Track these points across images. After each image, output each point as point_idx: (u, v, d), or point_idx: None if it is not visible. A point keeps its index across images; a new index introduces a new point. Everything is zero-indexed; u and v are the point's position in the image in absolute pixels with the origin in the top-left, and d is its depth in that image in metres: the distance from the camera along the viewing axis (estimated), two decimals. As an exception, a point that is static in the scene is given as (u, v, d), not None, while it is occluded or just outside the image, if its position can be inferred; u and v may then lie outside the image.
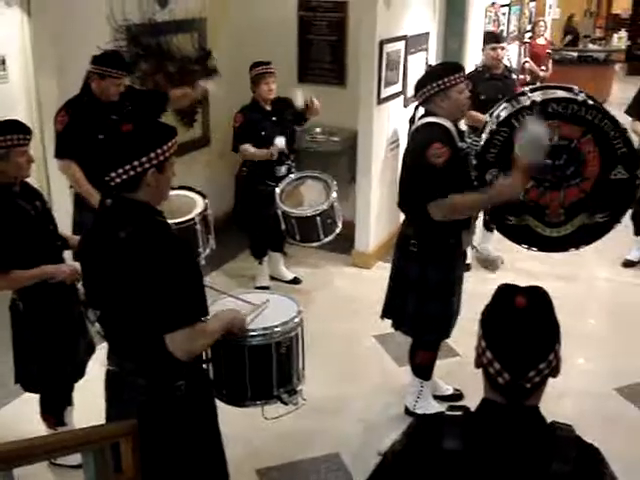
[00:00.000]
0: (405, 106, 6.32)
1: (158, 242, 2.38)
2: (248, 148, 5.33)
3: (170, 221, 2.72)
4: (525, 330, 1.63)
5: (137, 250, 2.34)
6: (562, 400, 4.32)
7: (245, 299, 3.16)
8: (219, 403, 2.93)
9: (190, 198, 4.42)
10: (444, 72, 3.71)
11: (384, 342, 4.97)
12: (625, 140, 3.59)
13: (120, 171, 2.35)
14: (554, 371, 1.69)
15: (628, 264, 6.46)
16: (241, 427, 3.65)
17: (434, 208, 3.55)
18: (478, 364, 1.72)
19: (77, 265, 3.00)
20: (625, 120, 6.11)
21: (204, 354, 2.79)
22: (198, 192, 4.47)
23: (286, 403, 3.24)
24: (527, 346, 1.63)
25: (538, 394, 1.69)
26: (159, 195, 2.48)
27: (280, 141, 5.25)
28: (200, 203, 4.36)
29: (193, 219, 4.21)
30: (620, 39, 17.14)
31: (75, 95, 4.44)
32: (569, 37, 16.47)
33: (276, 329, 3.03)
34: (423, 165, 3.53)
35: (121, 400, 2.61)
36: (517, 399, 1.65)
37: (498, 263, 6.24)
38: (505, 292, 1.72)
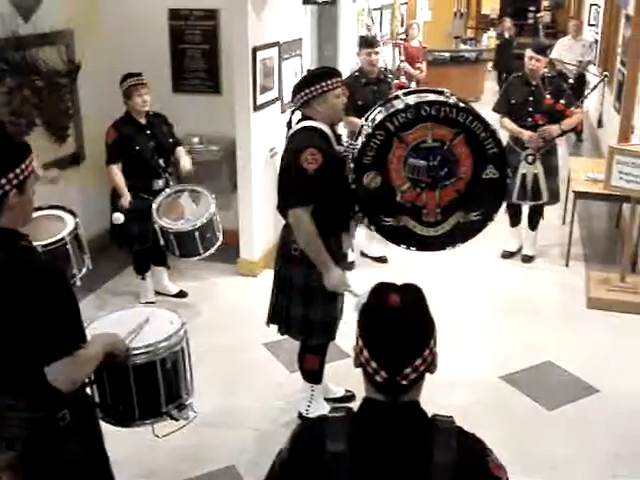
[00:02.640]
0: (282, 112, 6.33)
1: (25, 271, 2.23)
2: (116, 173, 5.20)
3: (37, 243, 2.59)
4: (399, 328, 1.65)
5: (4, 281, 2.22)
6: (452, 391, 4.44)
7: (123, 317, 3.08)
8: (107, 426, 2.83)
9: (59, 217, 4.22)
10: (321, 76, 3.74)
11: (274, 350, 4.96)
12: (495, 140, 3.72)
13: None
14: (431, 367, 1.71)
15: (507, 255, 6.70)
16: (132, 449, 3.56)
17: (293, 213, 3.60)
18: (357, 364, 1.73)
19: None
20: (495, 116, 6.39)
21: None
22: (68, 210, 4.26)
23: (176, 419, 3.18)
24: (401, 343, 1.64)
25: (417, 390, 1.71)
26: (23, 217, 2.34)
27: (118, 217, 5.14)
28: (70, 222, 4.12)
29: (63, 239, 3.96)
30: (490, 38, 17.76)
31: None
32: None
33: (160, 345, 2.97)
34: (295, 169, 3.56)
35: (2, 437, 2.48)
36: (395, 396, 1.66)
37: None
38: (379, 291, 1.73)
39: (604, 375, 4.72)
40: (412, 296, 1.72)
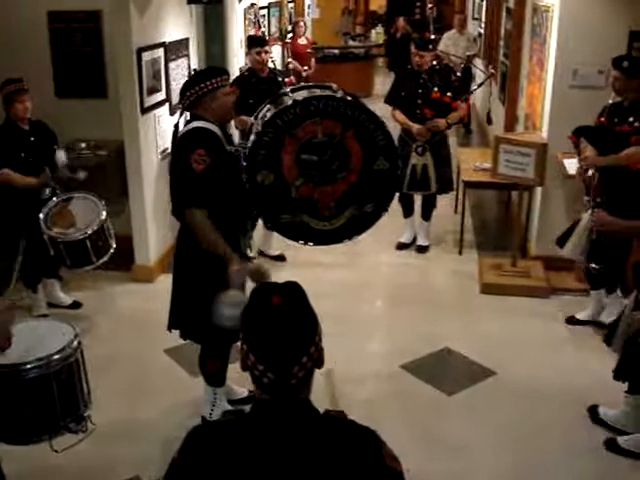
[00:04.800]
0: (172, 114, 6.24)
1: None
2: (9, 174, 4.98)
3: None
4: (283, 328, 1.63)
5: None
6: (356, 384, 4.51)
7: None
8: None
9: None
10: (208, 75, 3.69)
11: (176, 355, 4.87)
12: (384, 132, 3.77)
13: None
14: (318, 363, 1.70)
15: (402, 246, 6.82)
16: (31, 465, 3.43)
17: (189, 214, 3.57)
18: (243, 367, 1.70)
19: None
20: (387, 108, 6.51)
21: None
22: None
23: (75, 432, 3.10)
24: (287, 343, 1.63)
25: (307, 387, 1.70)
26: None
27: (61, 155, 4.97)
28: None
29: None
30: (378, 34, 18.06)
31: None
32: None
33: (53, 357, 2.88)
34: (185, 170, 3.51)
35: None
36: (285, 397, 1.65)
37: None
38: (260, 292, 1.72)
39: (500, 358, 4.87)
40: (292, 294, 1.71)
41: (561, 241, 4.92)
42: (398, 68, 9.04)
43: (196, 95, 3.62)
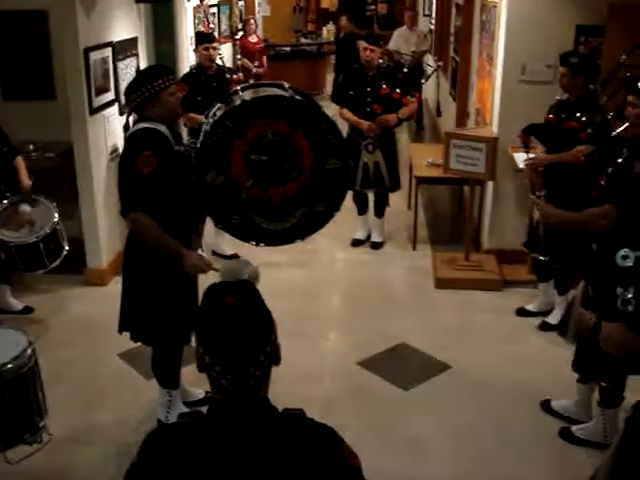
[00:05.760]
0: (121, 114, 6.15)
1: None
2: None
3: None
4: (237, 328, 1.62)
5: None
6: (314, 382, 4.53)
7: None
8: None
9: None
10: (152, 76, 3.65)
11: (130, 359, 4.82)
12: (334, 131, 3.77)
13: None
14: (274, 360, 1.70)
15: (356, 243, 6.84)
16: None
17: (133, 217, 3.54)
18: (200, 369, 1.69)
19: None
20: (336, 107, 6.52)
21: None
22: None
23: (30, 443, 3.04)
24: (242, 343, 1.62)
25: (265, 385, 1.70)
26: None
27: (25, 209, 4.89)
28: None
29: None
30: (329, 32, 18.04)
31: None
32: None
33: (6, 367, 2.83)
34: (131, 172, 3.48)
35: None
36: (243, 397, 1.65)
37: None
38: (212, 293, 1.71)
39: (455, 351, 4.92)
40: (245, 293, 1.70)
41: (528, 245, 5.02)
42: (343, 68, 9.10)
43: (140, 98, 3.59)
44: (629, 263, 3.36)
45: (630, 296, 3.21)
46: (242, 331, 1.62)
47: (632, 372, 3.54)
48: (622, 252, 3.39)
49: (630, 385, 3.77)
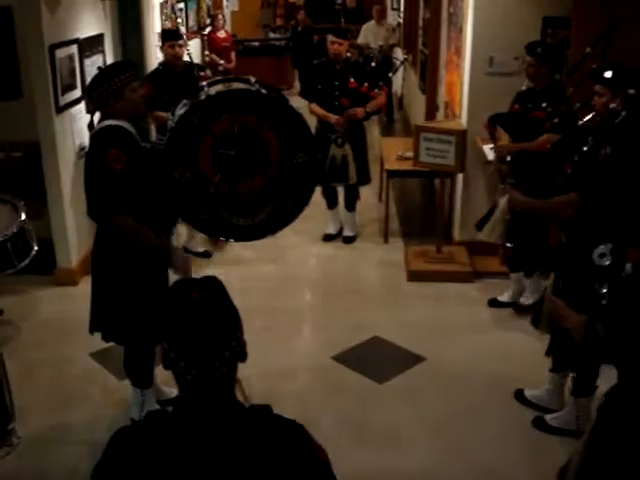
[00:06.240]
0: (88, 111, 6.08)
1: None
2: None
3: None
4: (202, 323, 1.61)
5: None
6: (288, 378, 4.53)
7: None
8: None
9: None
10: (114, 72, 3.62)
11: (102, 359, 4.77)
12: (301, 125, 3.75)
13: None
14: (240, 356, 1.69)
15: (328, 238, 6.83)
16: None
17: (116, 221, 3.51)
18: (166, 366, 1.68)
19: None
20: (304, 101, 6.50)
21: None
22: None
23: (-1, 447, 3.00)
24: (207, 338, 1.61)
25: (230, 381, 1.68)
26: None
27: None
28: None
29: None
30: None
31: None
32: None
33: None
34: (103, 171, 3.44)
35: None
36: (208, 392, 1.64)
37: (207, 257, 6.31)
38: (178, 288, 1.69)
39: (429, 343, 4.93)
40: (211, 289, 1.69)
41: (480, 225, 5.01)
42: (302, 64, 9.04)
43: (102, 95, 3.55)
44: (606, 262, 3.39)
45: (604, 291, 3.24)
46: (207, 326, 1.61)
47: (604, 361, 3.57)
48: (600, 250, 3.42)
49: (603, 374, 3.79)
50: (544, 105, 4.76)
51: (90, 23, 6.29)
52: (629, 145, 3.46)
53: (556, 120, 4.68)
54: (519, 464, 3.80)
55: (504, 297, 5.45)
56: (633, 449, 2.55)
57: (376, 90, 6.35)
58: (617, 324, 2.56)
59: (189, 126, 3.59)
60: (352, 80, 6.27)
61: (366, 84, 6.29)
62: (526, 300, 5.24)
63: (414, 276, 5.90)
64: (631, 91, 3.45)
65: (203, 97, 3.64)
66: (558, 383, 4.14)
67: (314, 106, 6.38)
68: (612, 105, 3.48)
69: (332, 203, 6.81)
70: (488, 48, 5.77)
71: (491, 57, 5.79)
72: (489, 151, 5.44)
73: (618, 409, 2.62)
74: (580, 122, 3.73)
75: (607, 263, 3.37)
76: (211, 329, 1.62)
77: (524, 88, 4.98)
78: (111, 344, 4.04)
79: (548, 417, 4.08)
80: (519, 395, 4.31)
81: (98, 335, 3.91)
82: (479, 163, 5.87)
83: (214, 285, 1.70)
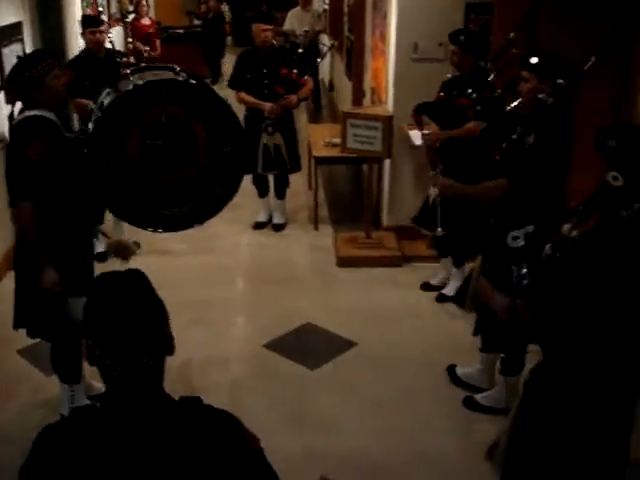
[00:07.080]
0: (7, 101, 5.90)
1: None
2: None
3: None
4: (127, 319, 1.56)
5: None
6: (220, 367, 4.50)
7: None
8: None
9: None
10: (34, 60, 3.54)
11: (30, 355, 4.66)
12: (229, 114, 3.74)
13: None
14: (168, 350, 1.65)
15: (258, 226, 6.81)
16: None
17: (18, 207, 3.46)
18: (91, 362, 1.63)
19: None
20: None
21: None
22: None
23: None
24: (132, 335, 1.56)
25: (159, 376, 1.65)
26: None
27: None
28: None
29: None
30: (225, 12, 17.77)
31: None
32: None
33: None
34: (20, 161, 3.37)
35: None
36: (136, 387, 1.60)
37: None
38: (100, 283, 1.64)
39: (360, 328, 4.98)
40: (135, 282, 1.64)
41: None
42: (212, 56, 8.81)
43: (23, 84, 3.46)
44: (520, 244, 3.49)
45: (525, 271, 3.33)
46: (131, 322, 1.57)
47: (532, 341, 3.67)
48: (512, 234, 3.52)
49: (531, 352, 3.89)
50: (469, 92, 4.84)
51: (7, 11, 6.10)
52: (553, 133, 3.55)
53: (479, 107, 4.77)
54: (450, 444, 3.87)
55: (436, 280, 5.53)
56: (557, 422, 2.63)
57: (305, 77, 6.34)
58: (538, 303, 2.64)
59: (116, 116, 3.54)
60: (283, 67, 6.25)
61: (295, 71, 6.28)
62: (449, 292, 5.32)
63: (344, 262, 5.94)
64: (560, 81, 3.53)
65: (130, 87, 3.58)
66: (489, 363, 4.23)
67: (244, 95, 6.32)
68: (541, 95, 3.56)
69: (263, 192, 6.78)
70: (412, 34, 5.82)
71: (415, 43, 5.84)
72: (416, 136, 5.50)
73: (542, 385, 2.70)
74: (507, 108, 3.80)
75: (520, 245, 3.48)
76: (136, 325, 1.57)
77: (449, 76, 5.05)
78: (38, 340, 3.95)
79: (479, 396, 4.17)
80: (451, 372, 4.39)
81: (24, 331, 3.83)
82: (406, 148, 5.93)
83: (138, 278, 1.66)
